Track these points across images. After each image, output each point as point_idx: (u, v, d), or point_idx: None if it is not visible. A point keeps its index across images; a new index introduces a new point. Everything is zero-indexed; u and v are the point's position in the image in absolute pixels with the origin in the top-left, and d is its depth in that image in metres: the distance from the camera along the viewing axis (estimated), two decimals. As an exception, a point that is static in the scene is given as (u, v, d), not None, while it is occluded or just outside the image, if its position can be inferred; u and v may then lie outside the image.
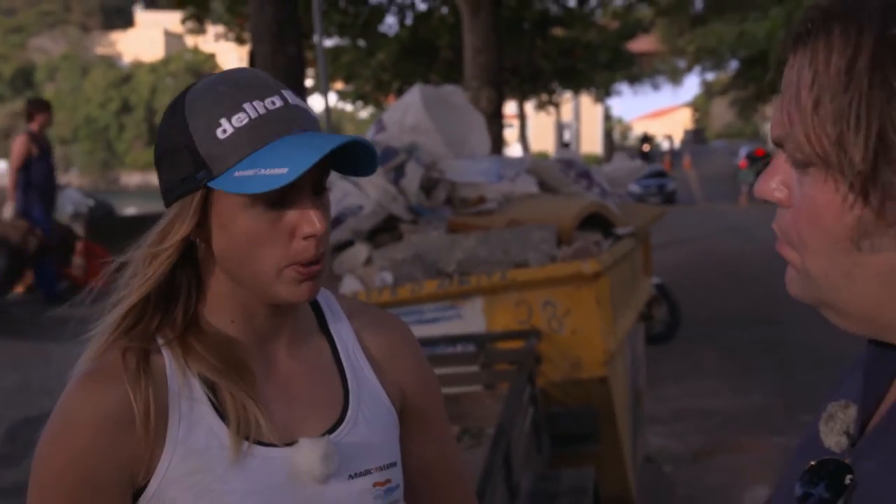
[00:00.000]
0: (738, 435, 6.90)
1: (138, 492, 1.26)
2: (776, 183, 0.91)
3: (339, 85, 22.93)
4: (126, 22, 76.93)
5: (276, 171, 1.17)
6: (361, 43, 21.01)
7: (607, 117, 64.47)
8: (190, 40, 60.19)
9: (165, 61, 65.62)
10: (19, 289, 10.55)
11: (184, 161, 1.23)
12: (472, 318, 4.41)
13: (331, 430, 1.32)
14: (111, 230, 13.11)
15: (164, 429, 1.24)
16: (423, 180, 5.22)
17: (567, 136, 55.46)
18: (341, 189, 5.06)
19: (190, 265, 1.29)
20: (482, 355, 4.15)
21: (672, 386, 8.18)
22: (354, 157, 1.27)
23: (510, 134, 37.55)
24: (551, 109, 32.28)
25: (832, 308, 0.90)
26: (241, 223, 1.23)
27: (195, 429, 1.25)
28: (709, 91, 69.37)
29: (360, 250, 4.83)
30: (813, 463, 0.91)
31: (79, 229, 11.82)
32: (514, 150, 32.52)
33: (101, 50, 72.01)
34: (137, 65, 66.68)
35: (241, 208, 1.22)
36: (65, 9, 71.54)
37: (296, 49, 8.64)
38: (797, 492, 0.91)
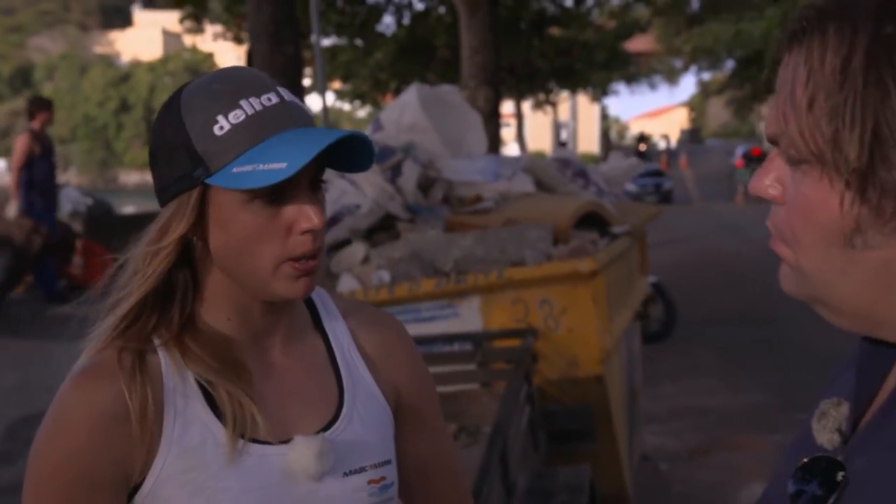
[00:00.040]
0: (734, 433, 6.91)
1: (133, 489, 1.26)
2: (770, 180, 0.91)
3: (336, 84, 22.94)
4: (124, 21, 76.88)
5: (275, 165, 1.18)
6: (359, 42, 21.02)
7: (604, 117, 64.43)
8: (188, 40, 60.11)
9: (164, 60, 65.54)
10: (19, 288, 10.54)
11: (180, 158, 1.23)
12: (468, 317, 4.42)
13: (326, 428, 1.32)
14: (110, 229, 13.11)
15: (159, 427, 1.24)
16: (420, 179, 5.23)
17: (564, 135, 55.42)
18: (339, 188, 5.07)
19: (186, 264, 1.29)
20: (479, 354, 4.16)
21: (668, 384, 8.19)
22: (351, 152, 1.27)
23: (507, 133, 37.54)
24: (548, 109, 32.31)
25: (825, 304, 0.90)
26: (238, 219, 1.23)
27: (190, 427, 1.25)
28: (705, 91, 69.43)
29: (358, 249, 4.84)
30: (806, 460, 0.92)
31: (77, 228, 11.81)
32: (511, 149, 32.50)
33: (99, 49, 71.94)
34: (136, 64, 66.60)
35: (239, 204, 1.22)
36: (63, 8, 71.44)
37: (293, 48, 8.65)
38: (790, 489, 0.91)
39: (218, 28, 20.16)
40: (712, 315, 11.31)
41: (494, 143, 11.89)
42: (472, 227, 4.80)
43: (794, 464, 0.93)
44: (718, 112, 75.23)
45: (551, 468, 4.04)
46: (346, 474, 1.31)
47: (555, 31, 23.56)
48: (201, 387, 1.27)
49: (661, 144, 64.11)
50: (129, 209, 24.92)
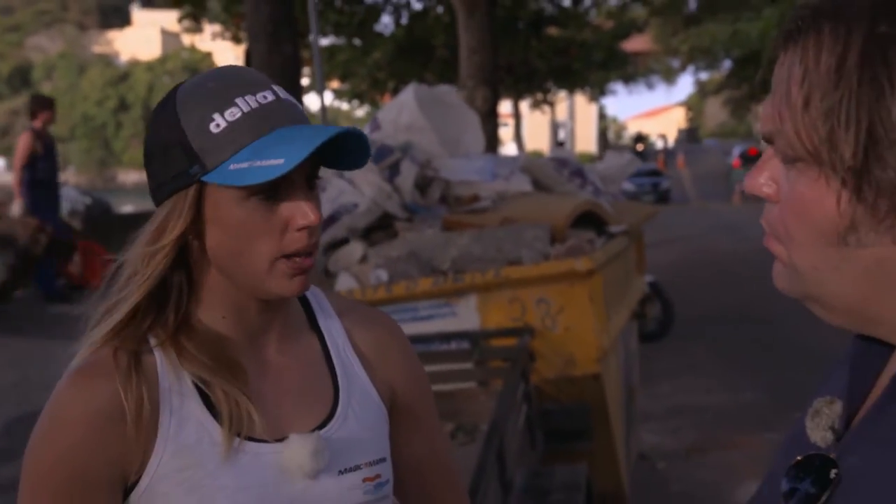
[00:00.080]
0: (730, 431, 6.91)
1: (130, 488, 1.26)
2: (765, 178, 0.92)
3: (335, 84, 22.96)
4: (123, 20, 76.89)
5: (272, 162, 1.18)
6: (357, 42, 21.03)
7: (602, 116, 64.52)
8: (187, 39, 60.15)
9: (162, 60, 65.58)
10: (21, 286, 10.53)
11: (176, 157, 1.23)
12: (466, 316, 4.42)
13: (321, 426, 1.32)
14: (108, 228, 13.11)
15: (155, 425, 1.24)
16: (417, 178, 5.24)
17: (562, 135, 55.41)
18: (336, 187, 5.07)
19: (181, 263, 1.29)
20: (476, 352, 4.17)
21: (665, 383, 8.19)
22: (346, 149, 1.27)
23: (505, 133, 37.58)
24: (546, 108, 32.33)
25: (818, 302, 0.91)
26: (235, 216, 1.23)
27: (186, 425, 1.25)
28: (702, 90, 69.48)
29: (356, 248, 4.84)
30: (799, 458, 0.92)
31: (76, 227, 11.79)
32: (509, 148, 32.53)
33: (98, 48, 71.95)
34: (134, 63, 66.65)
35: (236, 202, 1.23)
36: (62, 7, 71.44)
37: (292, 48, 8.66)
38: (783, 487, 0.91)
39: (216, 27, 20.19)
40: (709, 314, 11.32)
41: (492, 142, 11.90)
42: (469, 227, 4.81)
43: (788, 462, 0.93)
44: (716, 112, 75.32)
45: (548, 466, 4.04)
46: (341, 472, 1.31)
47: (552, 30, 23.58)
48: (197, 386, 1.27)
49: (659, 144, 64.19)
50: (127, 208, 24.93)
